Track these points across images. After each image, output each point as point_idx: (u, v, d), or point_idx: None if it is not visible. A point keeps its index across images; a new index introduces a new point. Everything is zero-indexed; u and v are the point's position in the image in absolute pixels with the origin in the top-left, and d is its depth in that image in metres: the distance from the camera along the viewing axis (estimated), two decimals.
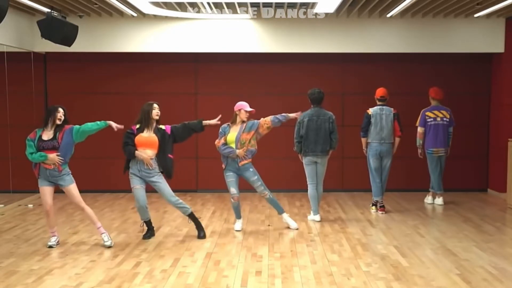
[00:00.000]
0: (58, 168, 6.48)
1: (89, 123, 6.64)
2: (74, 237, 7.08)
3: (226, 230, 7.50)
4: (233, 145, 7.27)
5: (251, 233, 7.33)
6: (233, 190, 7.36)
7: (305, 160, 7.97)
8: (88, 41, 9.57)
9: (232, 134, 7.30)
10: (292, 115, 7.50)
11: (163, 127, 7.00)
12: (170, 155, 6.99)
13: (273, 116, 7.41)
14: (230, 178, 7.36)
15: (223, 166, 7.42)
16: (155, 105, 6.97)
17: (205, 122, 7.18)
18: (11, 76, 9.39)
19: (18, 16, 8.96)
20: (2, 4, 6.05)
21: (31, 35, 9.36)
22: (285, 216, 7.63)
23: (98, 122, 6.67)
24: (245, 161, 7.33)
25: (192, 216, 7.12)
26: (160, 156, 6.92)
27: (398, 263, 5.96)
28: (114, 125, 6.76)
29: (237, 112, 7.36)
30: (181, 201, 7.06)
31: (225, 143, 7.30)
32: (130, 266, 5.85)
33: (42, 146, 6.43)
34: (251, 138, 7.31)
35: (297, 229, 7.49)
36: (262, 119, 7.40)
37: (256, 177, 7.39)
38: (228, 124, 7.41)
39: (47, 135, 6.49)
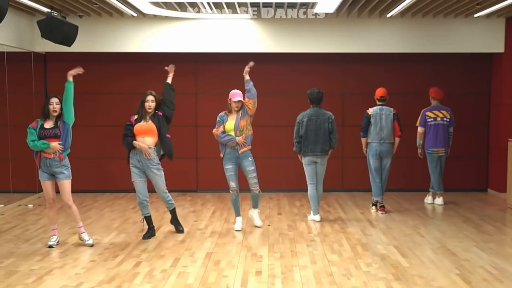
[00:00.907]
0: (59, 157, 6.50)
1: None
2: (74, 237, 7.07)
3: (226, 230, 7.50)
4: (232, 133, 7.30)
5: (251, 233, 7.33)
6: (233, 184, 7.39)
7: (304, 160, 7.97)
8: (88, 41, 9.57)
9: (230, 123, 7.32)
10: (247, 68, 7.58)
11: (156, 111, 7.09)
12: (167, 135, 7.07)
13: (246, 93, 7.43)
14: (230, 171, 7.38)
15: (221, 155, 7.44)
16: (148, 97, 7.02)
17: (169, 78, 7.39)
18: (11, 76, 9.38)
19: (18, 16, 8.96)
20: (2, 4, 6.05)
21: (31, 35, 9.36)
22: (256, 212, 7.66)
23: (65, 85, 6.74)
24: (245, 148, 7.36)
25: (173, 211, 7.27)
26: (159, 138, 7.01)
27: (398, 263, 5.96)
28: (73, 72, 6.85)
29: (229, 102, 7.40)
30: (171, 197, 7.23)
31: (224, 131, 7.32)
32: (130, 266, 5.85)
33: (44, 134, 6.47)
34: (247, 124, 7.36)
35: (260, 227, 7.55)
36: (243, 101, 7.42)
37: (253, 167, 7.42)
38: (225, 113, 7.43)
39: (49, 124, 6.55)
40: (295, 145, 7.98)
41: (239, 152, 7.34)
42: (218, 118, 7.43)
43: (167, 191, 7.14)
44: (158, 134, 6.98)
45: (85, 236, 6.70)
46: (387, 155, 8.55)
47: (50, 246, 6.56)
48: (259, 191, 7.52)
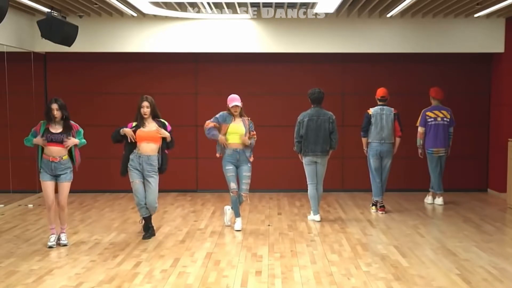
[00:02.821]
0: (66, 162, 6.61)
1: (82, 141, 6.70)
2: (74, 237, 7.07)
3: (226, 230, 7.49)
4: (238, 137, 7.32)
5: (251, 233, 7.33)
6: (233, 185, 7.41)
7: (305, 160, 7.97)
8: (88, 41, 9.56)
9: (237, 126, 7.33)
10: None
11: (166, 122, 7.06)
12: (166, 151, 7.10)
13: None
14: (230, 172, 7.39)
15: (217, 154, 7.42)
16: (144, 103, 6.95)
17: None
18: (11, 76, 9.38)
19: (18, 16, 8.96)
20: (2, 4, 6.04)
21: (31, 35, 9.36)
22: (238, 219, 7.54)
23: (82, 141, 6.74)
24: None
25: (149, 218, 7.13)
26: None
27: (398, 263, 5.96)
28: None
29: (228, 107, 7.42)
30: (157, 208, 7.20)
31: (214, 128, 7.33)
32: (130, 266, 5.85)
33: (51, 139, 6.49)
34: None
35: (238, 230, 7.45)
36: (251, 131, 7.43)
37: (249, 174, 7.47)
38: (229, 114, 7.41)
39: (55, 128, 6.54)
40: (296, 145, 7.98)
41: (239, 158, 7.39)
42: (219, 115, 7.40)
43: (157, 201, 7.08)
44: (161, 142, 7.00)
45: (62, 236, 6.72)
46: (387, 155, 8.55)
47: (50, 247, 6.56)
48: (246, 199, 7.56)
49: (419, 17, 9.64)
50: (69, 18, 9.14)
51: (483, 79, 10.45)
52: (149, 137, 6.91)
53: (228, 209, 7.75)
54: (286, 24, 9.66)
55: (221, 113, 7.43)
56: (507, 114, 9.78)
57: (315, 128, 7.84)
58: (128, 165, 6.98)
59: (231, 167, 7.40)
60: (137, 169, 6.94)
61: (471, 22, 9.72)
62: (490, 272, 5.62)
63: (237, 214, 7.55)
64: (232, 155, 7.38)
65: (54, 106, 6.53)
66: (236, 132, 7.34)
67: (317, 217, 8.01)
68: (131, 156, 6.96)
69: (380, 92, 8.63)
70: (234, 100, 7.36)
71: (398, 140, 8.61)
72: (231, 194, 7.45)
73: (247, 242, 6.88)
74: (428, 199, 9.41)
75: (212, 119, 7.41)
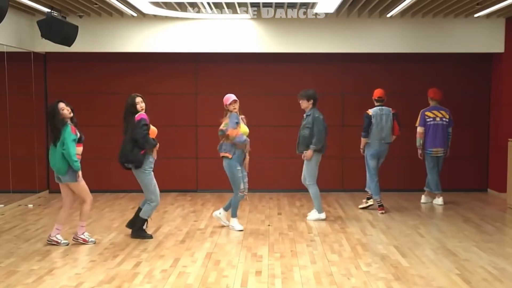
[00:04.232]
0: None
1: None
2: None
3: (226, 230, 7.50)
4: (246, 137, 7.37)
5: (251, 233, 7.33)
6: (242, 185, 7.40)
7: (317, 159, 7.98)
8: (88, 41, 9.57)
9: (244, 127, 7.37)
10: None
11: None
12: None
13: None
14: (240, 173, 7.38)
15: (230, 155, 7.27)
16: (138, 99, 6.91)
17: None
18: (11, 76, 9.38)
19: (18, 16, 8.96)
20: (2, 4, 6.04)
21: (31, 35, 9.36)
22: (235, 220, 7.54)
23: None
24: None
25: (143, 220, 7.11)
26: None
27: (398, 263, 5.96)
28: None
29: (226, 108, 7.38)
30: None
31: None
32: (130, 266, 5.85)
33: (83, 139, 6.73)
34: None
35: (241, 230, 7.45)
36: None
37: (247, 172, 7.52)
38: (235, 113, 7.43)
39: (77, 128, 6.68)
40: (321, 144, 7.94)
41: (247, 154, 7.42)
42: (236, 119, 7.24)
43: None
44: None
45: (59, 237, 6.74)
46: (383, 154, 8.62)
47: (67, 244, 6.65)
48: (245, 197, 7.55)
49: (419, 17, 9.64)
50: (69, 18, 9.14)
51: (483, 79, 10.45)
52: (153, 133, 6.97)
53: (218, 213, 7.71)
54: (286, 24, 9.66)
55: (233, 114, 7.27)
56: (507, 114, 9.78)
57: (325, 128, 8.02)
58: (149, 169, 6.90)
59: (240, 168, 7.40)
60: (152, 169, 6.98)
61: (471, 22, 9.72)
62: (490, 272, 5.62)
63: (235, 214, 7.55)
64: (240, 156, 7.38)
65: (62, 105, 6.53)
66: (245, 132, 7.35)
67: (323, 215, 8.04)
68: (151, 159, 6.93)
69: (377, 92, 8.66)
70: (232, 96, 7.33)
71: (394, 138, 8.66)
72: (240, 193, 7.40)
73: (247, 242, 6.88)
74: (423, 198, 9.41)
75: (234, 125, 7.20)
